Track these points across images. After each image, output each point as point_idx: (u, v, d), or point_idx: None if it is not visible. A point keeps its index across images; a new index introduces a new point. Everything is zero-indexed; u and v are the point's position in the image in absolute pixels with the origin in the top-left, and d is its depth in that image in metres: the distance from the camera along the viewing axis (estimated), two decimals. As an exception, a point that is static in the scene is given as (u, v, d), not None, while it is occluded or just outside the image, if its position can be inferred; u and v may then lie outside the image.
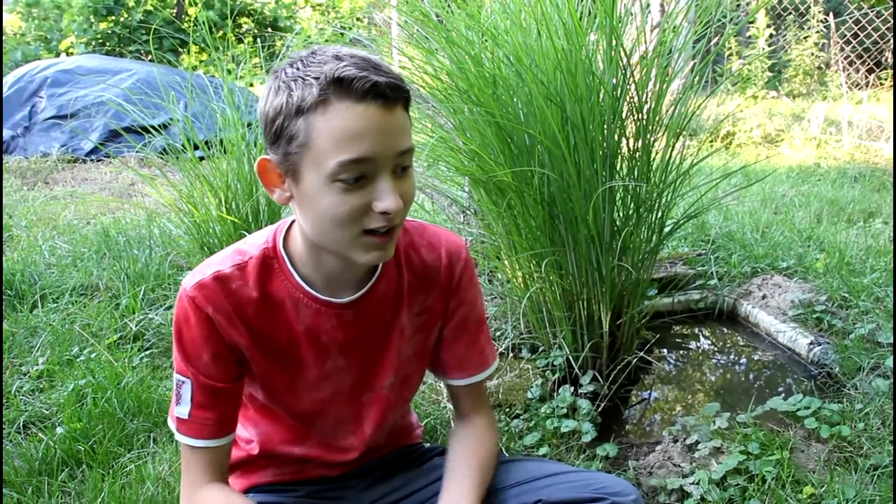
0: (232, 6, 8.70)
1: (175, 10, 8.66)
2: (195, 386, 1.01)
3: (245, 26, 9.11)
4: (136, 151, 3.04)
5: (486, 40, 1.90)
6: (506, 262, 2.15)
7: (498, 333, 2.21)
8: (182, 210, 2.56)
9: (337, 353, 1.06)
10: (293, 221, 1.02)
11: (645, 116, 1.83)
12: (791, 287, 2.51)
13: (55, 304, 2.49)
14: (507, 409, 1.85)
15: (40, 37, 8.72)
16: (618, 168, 1.85)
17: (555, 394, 1.88)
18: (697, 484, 1.50)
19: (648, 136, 1.84)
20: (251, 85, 4.08)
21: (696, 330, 2.49)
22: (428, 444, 1.29)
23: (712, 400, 1.99)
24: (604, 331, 1.95)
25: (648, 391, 2.09)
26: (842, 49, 7.35)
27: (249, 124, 2.61)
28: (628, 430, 1.89)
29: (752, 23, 6.95)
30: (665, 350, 2.33)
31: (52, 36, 8.60)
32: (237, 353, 1.02)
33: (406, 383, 1.15)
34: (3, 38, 8.44)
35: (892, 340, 2.04)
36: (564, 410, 1.80)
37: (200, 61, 7.57)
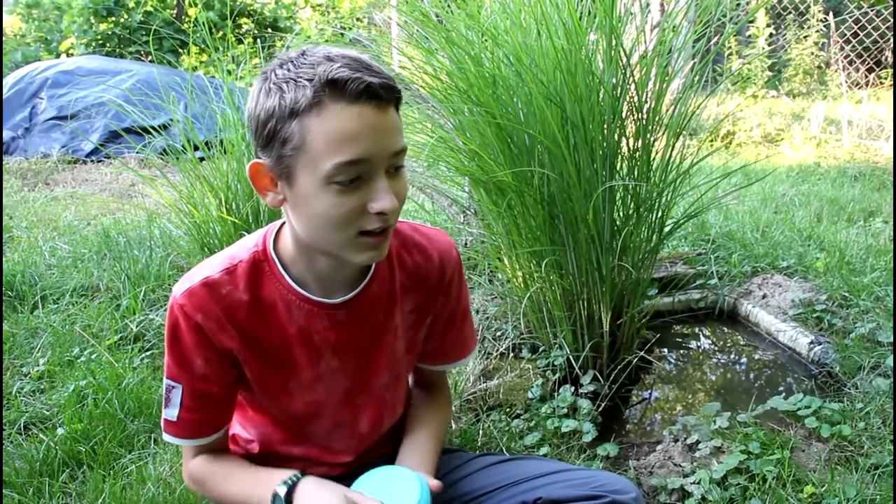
0: (232, 7, 8.69)
1: (175, 11, 8.66)
2: (186, 391, 1.02)
3: (245, 27, 9.10)
4: (137, 152, 3.05)
5: (485, 40, 1.90)
6: (506, 262, 2.15)
7: (498, 333, 2.21)
8: (182, 211, 2.56)
9: (330, 354, 1.06)
10: (283, 224, 1.03)
11: (645, 116, 1.83)
12: (791, 286, 2.51)
13: (56, 305, 2.49)
14: (508, 409, 1.85)
15: (40, 38, 8.71)
16: (618, 168, 1.85)
17: (555, 394, 1.88)
18: (698, 483, 1.50)
19: (648, 135, 1.84)
20: (251, 85, 4.07)
21: (697, 329, 2.49)
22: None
23: (713, 399, 1.99)
24: (604, 330, 1.95)
25: (649, 391, 2.09)
26: (842, 48, 7.35)
27: (250, 125, 2.61)
28: (629, 430, 1.89)
29: (751, 22, 6.95)
30: (665, 350, 2.33)
31: (53, 37, 8.60)
32: (230, 358, 1.03)
33: (399, 381, 1.16)
34: (4, 39, 8.45)
35: (892, 339, 2.04)
36: (565, 410, 1.80)
37: (200, 62, 7.57)
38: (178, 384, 1.02)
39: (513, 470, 1.15)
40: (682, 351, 2.35)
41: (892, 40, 7.25)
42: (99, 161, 5.35)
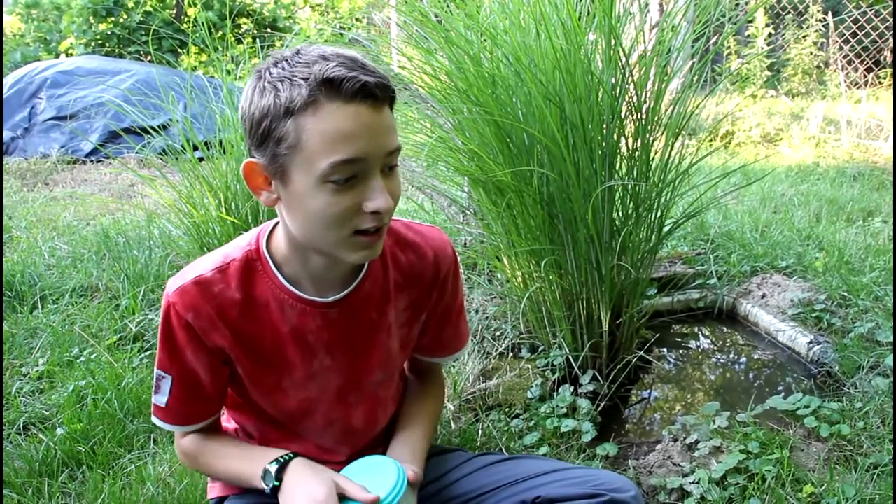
0: (231, 7, 8.69)
1: (174, 11, 8.66)
2: (175, 383, 1.05)
3: (244, 27, 9.09)
4: (136, 152, 3.05)
5: (485, 40, 1.90)
6: (505, 262, 2.15)
7: (497, 333, 2.21)
8: (182, 211, 2.56)
9: (324, 353, 1.06)
10: (277, 223, 1.03)
11: (644, 116, 1.83)
12: (790, 286, 2.51)
13: (55, 305, 2.49)
14: (507, 409, 1.85)
15: (40, 38, 8.71)
16: (617, 167, 1.85)
17: (555, 393, 1.88)
18: (697, 483, 1.50)
19: (647, 135, 1.84)
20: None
21: (696, 329, 2.49)
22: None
23: (712, 399, 1.99)
24: (603, 330, 1.95)
25: (648, 390, 2.09)
26: (840, 48, 7.35)
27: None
28: (628, 430, 1.89)
29: (750, 22, 6.95)
30: (665, 349, 2.33)
31: (52, 37, 8.59)
32: (221, 356, 1.04)
33: (393, 378, 1.17)
34: (3, 39, 8.44)
35: (891, 339, 2.04)
36: (564, 410, 1.80)
37: (200, 62, 7.57)
38: (168, 375, 1.05)
39: (512, 469, 1.15)
40: (681, 351, 2.35)
41: (891, 40, 7.26)
42: (98, 161, 5.35)
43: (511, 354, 2.14)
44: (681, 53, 1.96)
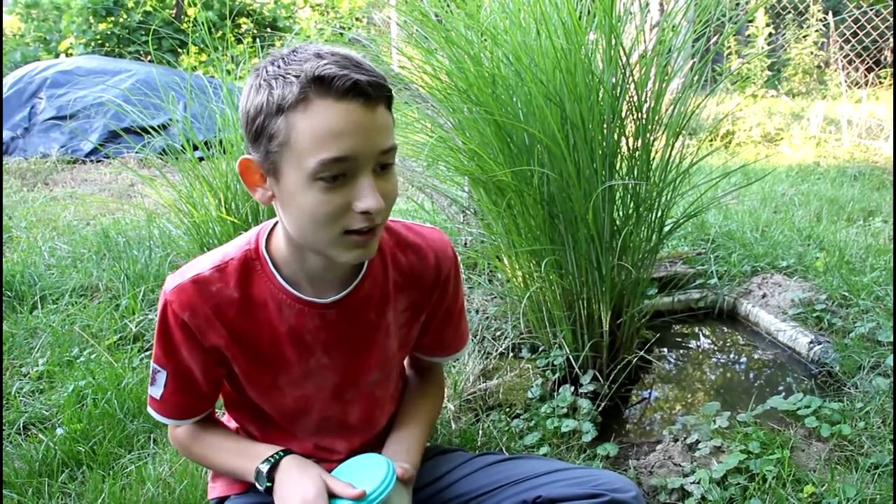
0: (231, 6, 8.69)
1: (174, 11, 8.65)
2: (170, 377, 1.06)
3: (244, 26, 9.09)
4: (136, 152, 3.05)
5: (485, 40, 1.90)
6: (505, 262, 2.15)
7: (498, 333, 2.21)
8: (182, 211, 2.56)
9: (321, 351, 1.06)
10: (276, 223, 1.03)
11: (644, 115, 1.83)
12: (791, 286, 2.51)
13: (55, 305, 2.49)
14: (508, 409, 1.85)
15: (39, 38, 8.70)
16: (617, 167, 1.85)
17: (555, 393, 1.88)
18: (698, 483, 1.49)
19: (648, 135, 1.84)
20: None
21: (697, 329, 2.49)
22: (427, 444, 1.29)
23: (713, 399, 1.99)
24: (604, 330, 1.95)
25: (649, 390, 2.09)
26: (841, 48, 7.35)
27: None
28: (629, 430, 1.88)
29: (751, 21, 6.95)
30: (665, 349, 2.33)
31: (52, 37, 8.59)
32: (217, 354, 1.04)
33: (390, 378, 1.17)
34: (3, 38, 8.44)
35: (892, 339, 2.04)
36: (565, 410, 1.80)
37: (200, 62, 7.56)
38: (163, 370, 1.06)
39: (512, 469, 1.15)
40: (681, 350, 2.35)
41: (891, 40, 7.26)
42: (98, 161, 5.35)
43: (511, 354, 2.13)
44: (681, 53, 1.96)
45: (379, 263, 1.07)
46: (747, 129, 5.58)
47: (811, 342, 2.14)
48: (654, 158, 1.88)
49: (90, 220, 3.69)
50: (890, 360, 1.92)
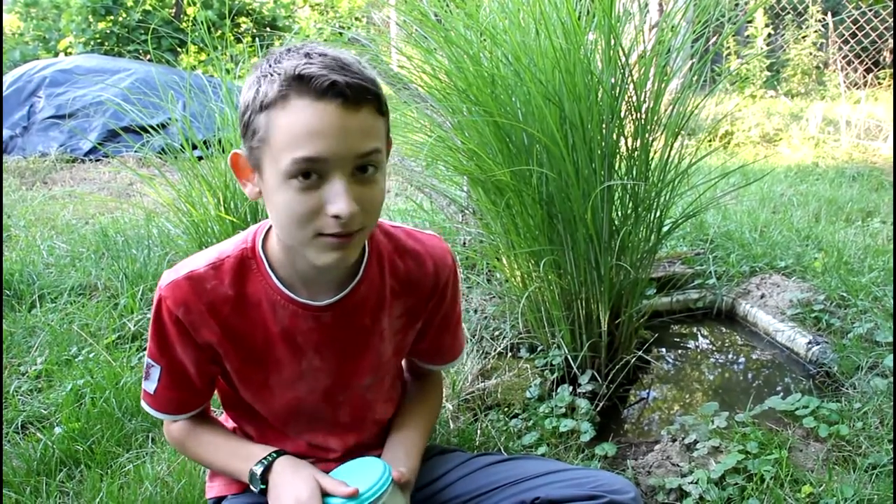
0: (230, 6, 8.68)
1: (174, 10, 8.64)
2: (164, 372, 1.06)
3: (244, 26, 9.08)
4: (135, 151, 3.05)
5: (484, 39, 1.90)
6: (504, 262, 2.15)
7: (496, 333, 2.21)
8: (180, 210, 2.56)
9: (312, 353, 1.06)
10: None
11: (643, 116, 1.83)
12: (789, 286, 2.51)
13: (53, 304, 2.48)
14: (506, 409, 1.85)
15: (39, 36, 8.69)
16: (616, 167, 1.85)
17: (553, 393, 1.88)
18: (696, 483, 1.50)
19: (647, 135, 1.84)
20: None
21: (695, 329, 2.49)
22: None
23: (711, 399, 1.99)
24: (602, 330, 1.95)
25: (647, 390, 2.09)
26: (840, 48, 7.35)
27: (248, 124, 2.61)
28: (627, 430, 1.89)
29: (750, 22, 6.95)
30: (663, 349, 2.33)
31: (51, 36, 8.57)
32: (210, 351, 1.04)
33: (383, 382, 1.17)
34: (3, 37, 8.43)
35: (890, 339, 2.04)
36: (563, 410, 1.80)
37: (199, 61, 7.55)
38: (157, 365, 1.06)
39: (511, 470, 1.15)
40: (680, 351, 2.35)
41: (890, 41, 7.26)
42: (97, 160, 5.34)
43: (510, 354, 2.14)
44: (680, 53, 1.96)
45: (376, 268, 1.07)
46: (746, 130, 5.58)
47: (809, 342, 2.14)
48: (652, 158, 1.88)
49: (89, 218, 3.69)
50: (888, 361, 1.93)
